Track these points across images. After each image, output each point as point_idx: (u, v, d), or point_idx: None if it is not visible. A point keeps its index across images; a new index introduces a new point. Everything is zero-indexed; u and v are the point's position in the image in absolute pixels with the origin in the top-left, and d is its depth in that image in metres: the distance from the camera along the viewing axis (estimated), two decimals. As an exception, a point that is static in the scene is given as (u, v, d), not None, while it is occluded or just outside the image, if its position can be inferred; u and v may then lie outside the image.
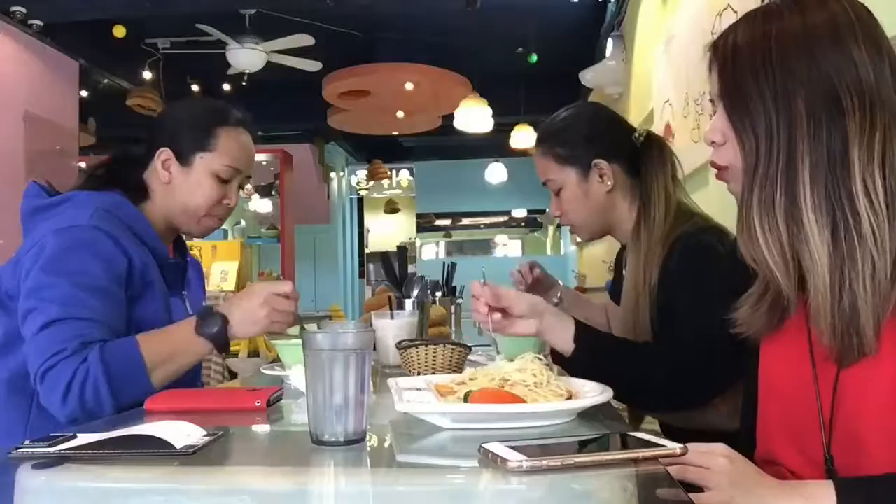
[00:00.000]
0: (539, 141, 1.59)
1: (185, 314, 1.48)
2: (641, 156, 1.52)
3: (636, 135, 1.55)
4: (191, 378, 1.50)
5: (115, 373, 1.20)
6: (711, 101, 0.93)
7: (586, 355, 1.22)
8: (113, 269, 1.30)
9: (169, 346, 1.27)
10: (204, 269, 1.73)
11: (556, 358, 1.29)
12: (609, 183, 1.50)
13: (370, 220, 11.59)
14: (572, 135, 1.53)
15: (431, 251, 10.68)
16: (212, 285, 5.09)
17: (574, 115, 1.57)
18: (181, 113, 1.53)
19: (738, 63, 0.88)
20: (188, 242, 1.66)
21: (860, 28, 0.84)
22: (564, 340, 1.24)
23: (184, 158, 1.45)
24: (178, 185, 1.46)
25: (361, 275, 10.88)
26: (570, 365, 1.24)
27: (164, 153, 1.46)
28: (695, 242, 1.37)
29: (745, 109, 0.87)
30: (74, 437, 0.83)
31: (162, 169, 1.46)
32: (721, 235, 1.39)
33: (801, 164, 0.83)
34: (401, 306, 1.86)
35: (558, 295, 1.79)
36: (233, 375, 4.06)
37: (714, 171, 0.97)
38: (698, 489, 0.86)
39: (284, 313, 1.29)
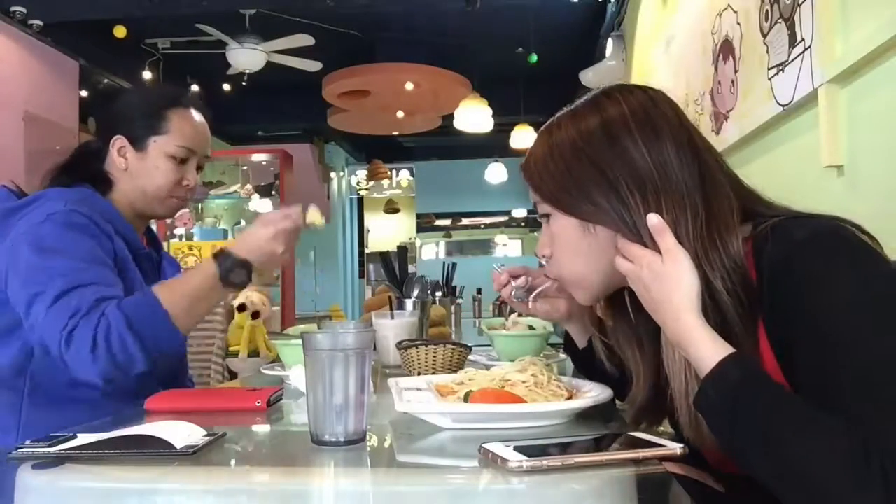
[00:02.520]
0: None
1: None
2: None
3: None
4: (180, 372, 1.52)
5: (137, 322, 1.21)
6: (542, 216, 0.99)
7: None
8: (102, 246, 1.32)
9: (190, 295, 1.29)
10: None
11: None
12: None
13: (370, 220, 11.59)
14: None
15: (431, 251, 10.68)
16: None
17: None
18: (131, 99, 1.55)
19: (539, 178, 0.96)
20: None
21: (633, 121, 0.90)
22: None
23: (138, 144, 1.46)
24: (136, 170, 1.47)
25: (361, 275, 10.88)
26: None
27: (119, 141, 1.47)
28: None
29: (561, 211, 0.94)
30: (74, 437, 0.83)
31: (118, 156, 1.47)
32: None
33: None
34: (401, 306, 1.86)
35: None
36: (233, 375, 4.05)
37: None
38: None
39: (295, 238, 1.36)
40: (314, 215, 1.39)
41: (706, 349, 0.79)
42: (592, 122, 0.92)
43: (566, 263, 0.97)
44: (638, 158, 0.88)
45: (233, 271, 1.31)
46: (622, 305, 0.97)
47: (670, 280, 0.82)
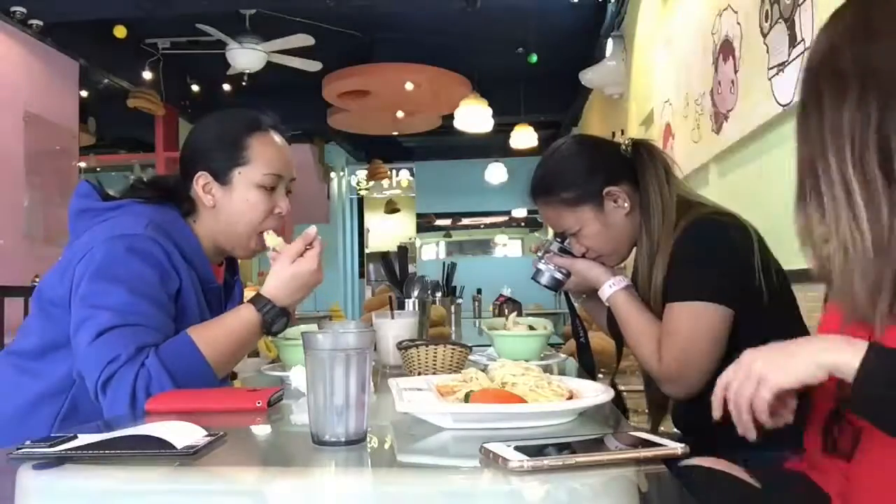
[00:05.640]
0: (539, 194, 1.55)
1: None
2: (635, 165, 1.51)
3: (623, 147, 1.54)
4: None
5: (177, 372, 1.18)
6: None
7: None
8: (165, 282, 1.28)
9: (231, 343, 1.28)
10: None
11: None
12: (626, 205, 1.48)
13: (370, 220, 11.59)
14: (572, 175, 1.50)
15: (431, 251, 10.68)
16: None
17: (563, 156, 1.55)
18: (208, 130, 1.45)
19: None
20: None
21: None
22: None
23: (222, 178, 1.39)
24: (224, 206, 1.39)
25: (361, 275, 10.88)
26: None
27: (202, 177, 1.39)
28: (698, 224, 1.37)
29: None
30: (74, 437, 0.83)
31: (204, 193, 1.39)
32: (727, 215, 1.39)
33: None
34: (401, 306, 1.86)
35: None
36: (233, 375, 4.05)
37: None
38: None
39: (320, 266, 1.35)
40: (272, 239, 1.38)
41: None
42: None
43: None
44: None
45: (276, 320, 1.30)
46: None
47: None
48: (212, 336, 1.25)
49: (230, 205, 1.39)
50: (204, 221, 1.41)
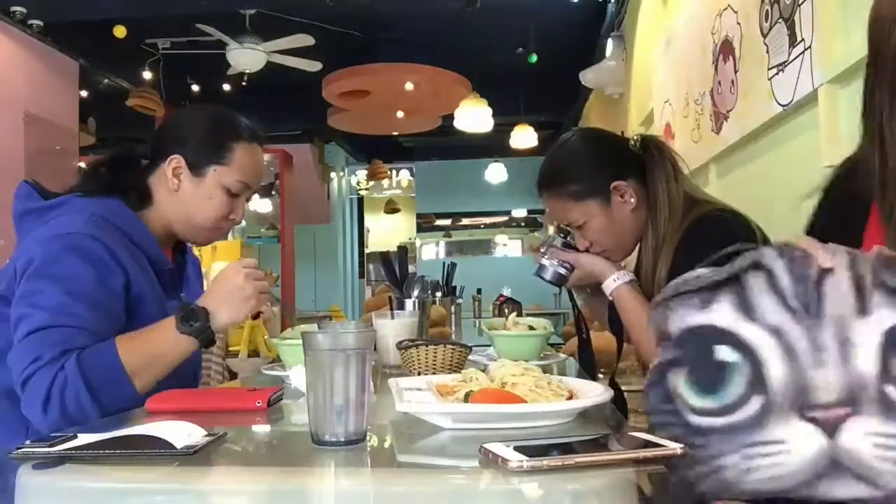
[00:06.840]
0: (546, 186, 1.54)
1: None
2: (643, 161, 1.51)
3: (632, 143, 1.55)
4: (191, 376, 1.50)
5: (93, 379, 1.17)
6: None
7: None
8: (106, 280, 1.27)
9: (150, 348, 1.24)
10: (203, 269, 1.72)
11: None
12: (632, 200, 1.48)
13: (370, 220, 11.58)
14: (580, 168, 1.50)
15: (431, 251, 10.67)
16: (212, 285, 5.09)
17: (572, 148, 1.55)
18: (197, 121, 1.48)
19: None
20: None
21: None
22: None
23: (196, 169, 1.42)
24: (187, 195, 1.42)
25: (361, 275, 10.88)
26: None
27: (176, 160, 1.41)
28: (703, 221, 1.37)
29: None
30: (75, 437, 0.83)
31: (172, 176, 1.41)
32: (732, 213, 1.39)
33: None
34: (401, 306, 1.86)
35: None
36: (233, 375, 4.06)
37: None
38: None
39: (266, 289, 1.33)
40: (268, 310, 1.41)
41: None
42: None
43: None
44: None
45: (189, 319, 1.24)
46: None
47: None
48: (134, 342, 1.24)
49: (193, 196, 1.42)
50: (160, 206, 1.44)
